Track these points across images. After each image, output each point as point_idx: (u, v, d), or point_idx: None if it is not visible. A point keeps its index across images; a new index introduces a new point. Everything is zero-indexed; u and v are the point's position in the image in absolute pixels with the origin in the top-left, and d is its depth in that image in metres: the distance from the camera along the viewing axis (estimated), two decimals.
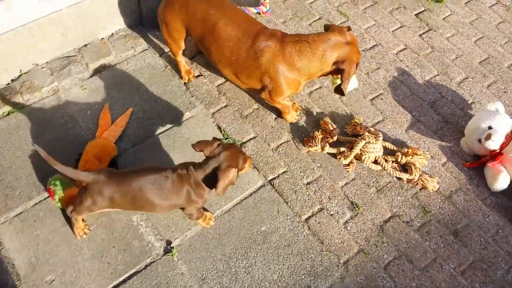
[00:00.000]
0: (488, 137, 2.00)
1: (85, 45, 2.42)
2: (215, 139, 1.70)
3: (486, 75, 2.45)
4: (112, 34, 2.48)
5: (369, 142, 2.04)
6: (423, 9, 2.75)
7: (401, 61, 2.48)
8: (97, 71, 2.34)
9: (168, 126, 2.14)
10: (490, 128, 2.03)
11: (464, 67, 2.47)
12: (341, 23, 2.63)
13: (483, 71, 2.46)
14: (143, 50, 2.44)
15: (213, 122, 2.18)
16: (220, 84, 2.32)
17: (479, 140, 2.05)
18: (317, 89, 2.33)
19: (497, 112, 2.07)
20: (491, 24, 2.70)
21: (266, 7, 2.61)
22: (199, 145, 1.66)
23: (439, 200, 1.98)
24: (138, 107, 2.20)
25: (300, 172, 2.04)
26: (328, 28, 1.92)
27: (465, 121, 2.23)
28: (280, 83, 1.94)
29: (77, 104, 2.20)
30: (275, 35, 1.92)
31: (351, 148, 2.07)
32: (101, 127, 2.12)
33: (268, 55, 1.90)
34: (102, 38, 2.46)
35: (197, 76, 2.35)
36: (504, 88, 2.40)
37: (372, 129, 2.14)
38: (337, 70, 1.89)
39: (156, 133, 2.12)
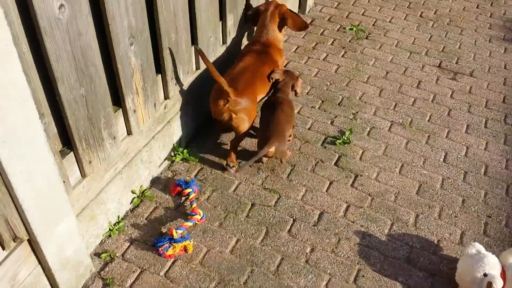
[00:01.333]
0: (490, 286, 1.94)
1: None
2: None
3: (430, 205, 2.47)
4: None
5: None
6: (337, 156, 2.73)
7: (353, 222, 2.37)
8: None
9: None
10: (485, 275, 1.98)
11: (408, 204, 2.47)
12: (276, 201, 2.46)
13: (425, 201, 2.48)
14: None
15: None
16: None
17: None
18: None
19: (481, 255, 2.05)
20: (401, 148, 2.80)
21: (200, 214, 2.30)
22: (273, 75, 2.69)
23: None
24: None
25: None
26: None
27: (447, 266, 2.17)
28: None
29: None
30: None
31: None
32: None
33: None
34: None
35: None
36: (452, 212, 2.43)
37: None
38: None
39: None
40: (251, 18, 3.07)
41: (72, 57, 1.68)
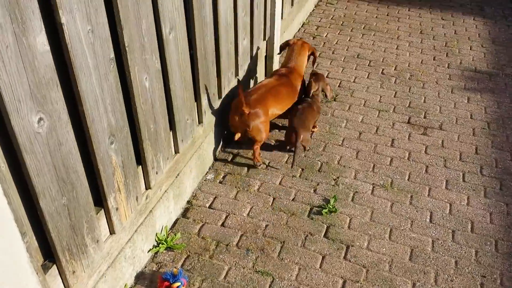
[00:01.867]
0: None
1: None
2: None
3: (424, 270, 2.43)
4: None
5: None
6: (326, 226, 2.68)
7: None
8: None
9: None
10: None
11: (403, 272, 2.42)
12: (269, 285, 2.35)
13: (419, 267, 2.45)
14: None
15: None
16: None
17: None
18: None
19: None
20: (386, 211, 2.78)
21: None
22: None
23: None
24: None
25: None
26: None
27: None
28: None
29: None
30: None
31: None
32: None
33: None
34: None
35: None
36: (447, 276, 2.40)
37: None
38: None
39: None
40: (281, 49, 3.74)
41: (53, 168, 1.59)
